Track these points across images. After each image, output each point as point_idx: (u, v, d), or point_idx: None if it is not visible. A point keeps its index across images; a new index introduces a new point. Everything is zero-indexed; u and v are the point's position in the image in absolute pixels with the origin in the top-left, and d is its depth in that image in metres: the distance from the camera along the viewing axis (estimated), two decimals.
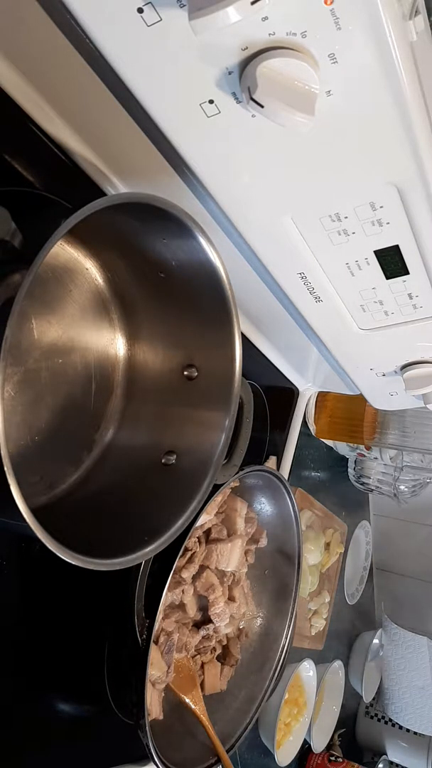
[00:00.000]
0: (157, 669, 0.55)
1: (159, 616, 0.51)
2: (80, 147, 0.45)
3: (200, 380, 0.50)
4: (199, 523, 0.56)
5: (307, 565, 0.95)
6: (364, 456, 1.12)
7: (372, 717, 1.33)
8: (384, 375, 0.64)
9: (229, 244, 0.51)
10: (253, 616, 0.72)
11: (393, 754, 1.29)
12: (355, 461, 1.16)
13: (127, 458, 0.50)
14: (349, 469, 1.17)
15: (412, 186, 0.40)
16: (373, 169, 0.39)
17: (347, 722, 1.27)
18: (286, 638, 0.71)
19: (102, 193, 0.48)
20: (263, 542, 0.71)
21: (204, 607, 0.63)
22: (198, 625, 0.63)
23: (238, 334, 0.47)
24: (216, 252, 0.43)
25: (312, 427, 0.98)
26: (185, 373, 0.50)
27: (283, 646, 0.71)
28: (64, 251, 0.45)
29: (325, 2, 0.29)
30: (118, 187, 0.49)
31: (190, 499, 0.47)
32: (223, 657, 0.68)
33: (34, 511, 0.32)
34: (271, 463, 0.81)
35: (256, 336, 0.73)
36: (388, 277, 0.49)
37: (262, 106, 0.32)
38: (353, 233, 0.45)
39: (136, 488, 0.48)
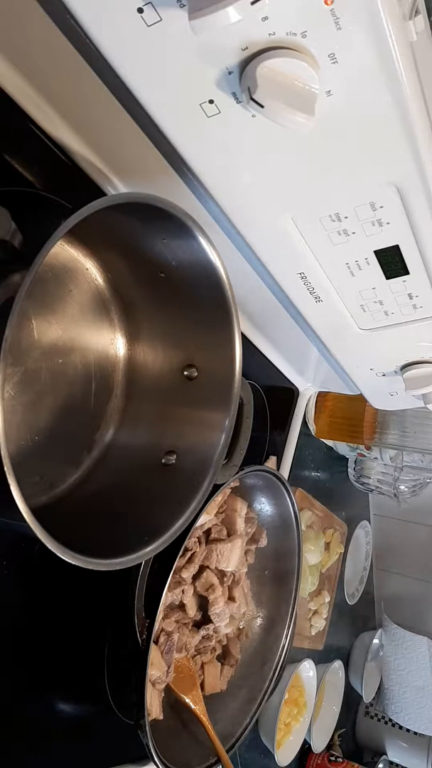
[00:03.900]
0: (157, 669, 0.55)
1: (159, 616, 0.51)
2: (80, 147, 0.45)
3: (200, 380, 0.50)
4: (199, 523, 0.56)
5: (307, 565, 0.95)
6: (364, 456, 1.12)
7: (372, 717, 1.33)
8: (384, 375, 0.64)
9: (229, 244, 0.51)
10: (253, 616, 0.72)
11: (393, 754, 1.29)
12: (355, 461, 1.16)
13: (127, 458, 0.50)
14: (349, 469, 1.17)
15: (412, 186, 0.40)
16: (373, 169, 0.39)
17: (347, 722, 1.27)
18: (286, 638, 0.71)
19: (102, 193, 0.48)
20: (263, 542, 0.71)
21: (204, 607, 0.63)
22: (198, 625, 0.63)
23: (238, 334, 0.47)
24: (216, 252, 0.43)
25: (312, 427, 0.98)
26: (185, 373, 0.50)
27: (283, 646, 0.71)
28: (64, 251, 0.45)
29: (325, 2, 0.29)
30: (118, 187, 0.49)
31: (190, 499, 0.47)
32: (223, 657, 0.68)
33: (34, 511, 0.32)
34: (271, 463, 0.81)
35: (256, 336, 0.73)
36: (388, 277, 0.49)
37: (262, 106, 0.32)
38: (353, 233, 0.45)
39: (136, 488, 0.48)
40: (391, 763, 1.28)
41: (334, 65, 0.32)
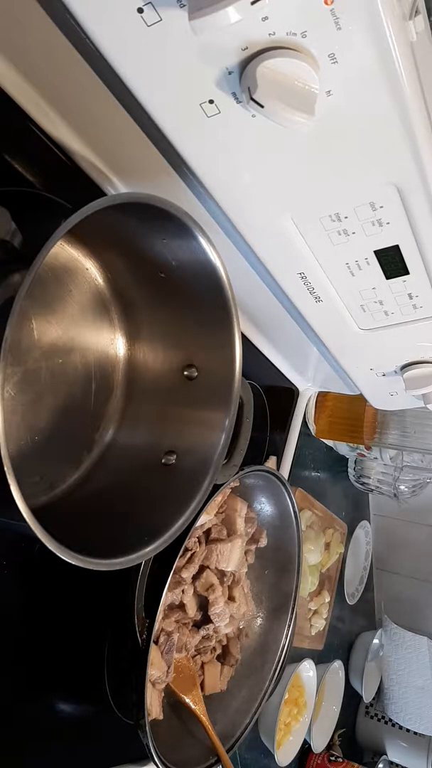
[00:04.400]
0: (157, 669, 0.55)
1: (159, 616, 0.51)
2: (80, 147, 0.45)
3: (200, 380, 0.50)
4: (199, 523, 0.55)
5: (307, 565, 0.95)
6: (364, 456, 1.12)
7: (372, 717, 1.33)
8: (384, 375, 0.64)
9: (229, 244, 0.51)
10: (253, 616, 0.72)
11: (393, 754, 1.29)
12: (355, 461, 1.16)
13: (127, 458, 0.50)
14: (349, 469, 1.17)
15: (412, 186, 0.40)
16: (373, 169, 0.39)
17: (347, 722, 1.27)
18: (286, 638, 0.71)
19: (102, 193, 0.48)
20: (263, 542, 0.71)
21: (204, 607, 0.63)
22: (198, 625, 0.63)
23: (238, 334, 0.47)
24: (216, 252, 0.43)
25: (312, 427, 0.98)
26: (185, 373, 0.50)
27: (283, 646, 0.71)
28: (64, 251, 0.45)
29: (325, 2, 0.29)
30: (118, 187, 0.49)
31: (190, 499, 0.47)
32: (223, 657, 0.68)
33: (34, 511, 0.32)
34: (271, 463, 0.81)
35: (256, 336, 0.73)
36: (388, 277, 0.49)
37: (262, 106, 0.32)
38: (353, 233, 0.45)
39: (136, 488, 0.48)
40: (391, 763, 1.28)
41: (334, 65, 0.32)
